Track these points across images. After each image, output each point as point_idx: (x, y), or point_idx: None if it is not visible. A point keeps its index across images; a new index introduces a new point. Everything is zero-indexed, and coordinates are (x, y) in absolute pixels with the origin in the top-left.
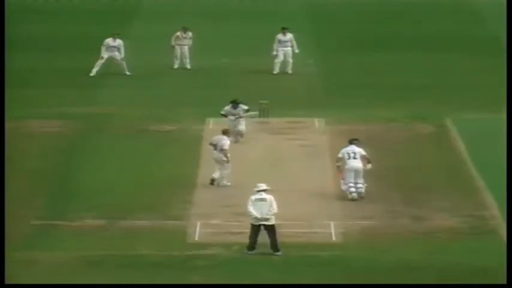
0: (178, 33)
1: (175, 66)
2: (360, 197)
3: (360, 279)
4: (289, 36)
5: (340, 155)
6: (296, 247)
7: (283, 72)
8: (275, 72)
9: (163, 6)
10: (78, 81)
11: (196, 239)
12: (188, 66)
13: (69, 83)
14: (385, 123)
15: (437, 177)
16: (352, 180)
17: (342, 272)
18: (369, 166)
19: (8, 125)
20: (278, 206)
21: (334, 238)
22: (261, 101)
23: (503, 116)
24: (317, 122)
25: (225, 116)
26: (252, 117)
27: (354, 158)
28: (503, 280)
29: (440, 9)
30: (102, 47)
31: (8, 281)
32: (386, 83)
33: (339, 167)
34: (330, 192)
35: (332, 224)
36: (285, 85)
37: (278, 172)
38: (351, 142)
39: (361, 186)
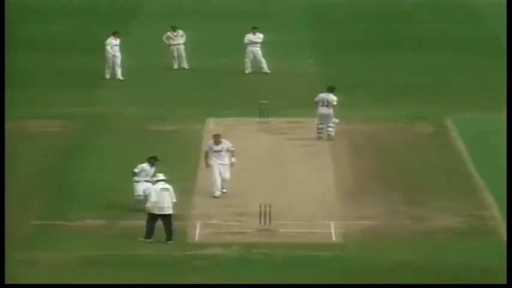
0: (169, 33)
1: (175, 66)
2: (330, 139)
3: (360, 279)
4: (259, 35)
5: (316, 99)
6: (296, 247)
7: (260, 72)
8: (247, 71)
9: (163, 6)
10: (78, 81)
11: (196, 239)
12: (186, 66)
13: (69, 83)
14: (385, 123)
15: (437, 177)
16: (321, 124)
17: (342, 272)
18: (336, 120)
19: (8, 125)
20: (279, 206)
21: (334, 238)
22: (261, 101)
23: (503, 116)
24: None
25: (135, 174)
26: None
27: (326, 106)
28: (503, 280)
29: (440, 9)
30: (106, 46)
31: (8, 281)
32: (386, 83)
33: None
34: (330, 192)
35: (332, 224)
36: (285, 85)
37: (278, 172)
38: (328, 89)
39: (331, 129)
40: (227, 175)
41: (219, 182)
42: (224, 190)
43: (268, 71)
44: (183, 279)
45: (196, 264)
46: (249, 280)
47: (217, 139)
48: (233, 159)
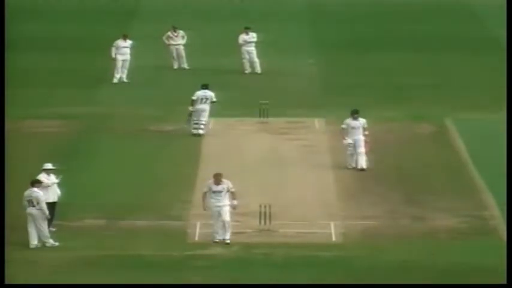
0: (169, 33)
1: (175, 66)
2: (361, 169)
3: (360, 279)
4: (253, 35)
5: (344, 126)
6: (296, 247)
7: (254, 73)
8: (247, 71)
9: (163, 6)
10: (78, 81)
11: (196, 239)
12: (186, 66)
13: (69, 83)
14: (385, 123)
15: (437, 177)
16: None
17: (342, 272)
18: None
19: (8, 125)
20: (279, 206)
21: (334, 238)
22: (261, 101)
23: (503, 116)
24: (317, 122)
25: (193, 101)
26: None
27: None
28: (503, 280)
29: (440, 9)
30: (112, 48)
31: (8, 281)
32: (386, 83)
33: (344, 137)
34: (330, 192)
35: (332, 224)
36: (285, 85)
37: (278, 172)
38: (355, 113)
39: (361, 157)
40: (227, 217)
41: (219, 226)
42: (228, 240)
43: (260, 72)
44: (183, 279)
45: (196, 264)
46: (249, 280)
47: (218, 178)
48: (235, 202)
